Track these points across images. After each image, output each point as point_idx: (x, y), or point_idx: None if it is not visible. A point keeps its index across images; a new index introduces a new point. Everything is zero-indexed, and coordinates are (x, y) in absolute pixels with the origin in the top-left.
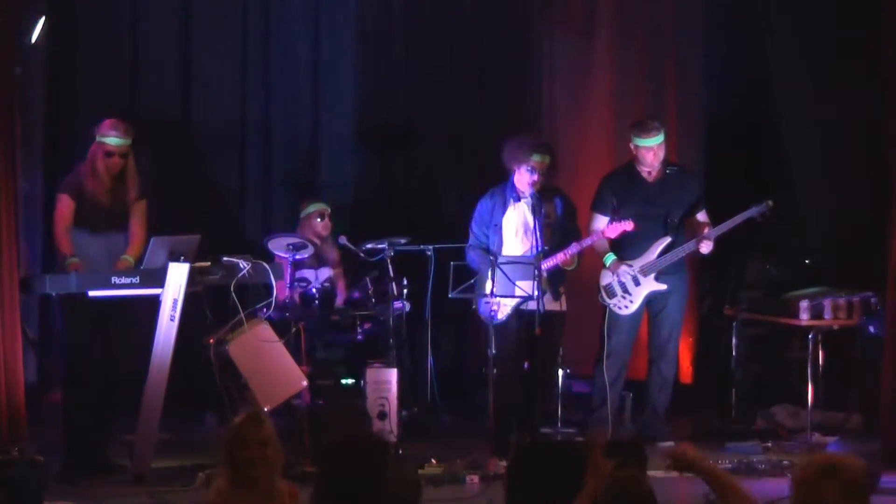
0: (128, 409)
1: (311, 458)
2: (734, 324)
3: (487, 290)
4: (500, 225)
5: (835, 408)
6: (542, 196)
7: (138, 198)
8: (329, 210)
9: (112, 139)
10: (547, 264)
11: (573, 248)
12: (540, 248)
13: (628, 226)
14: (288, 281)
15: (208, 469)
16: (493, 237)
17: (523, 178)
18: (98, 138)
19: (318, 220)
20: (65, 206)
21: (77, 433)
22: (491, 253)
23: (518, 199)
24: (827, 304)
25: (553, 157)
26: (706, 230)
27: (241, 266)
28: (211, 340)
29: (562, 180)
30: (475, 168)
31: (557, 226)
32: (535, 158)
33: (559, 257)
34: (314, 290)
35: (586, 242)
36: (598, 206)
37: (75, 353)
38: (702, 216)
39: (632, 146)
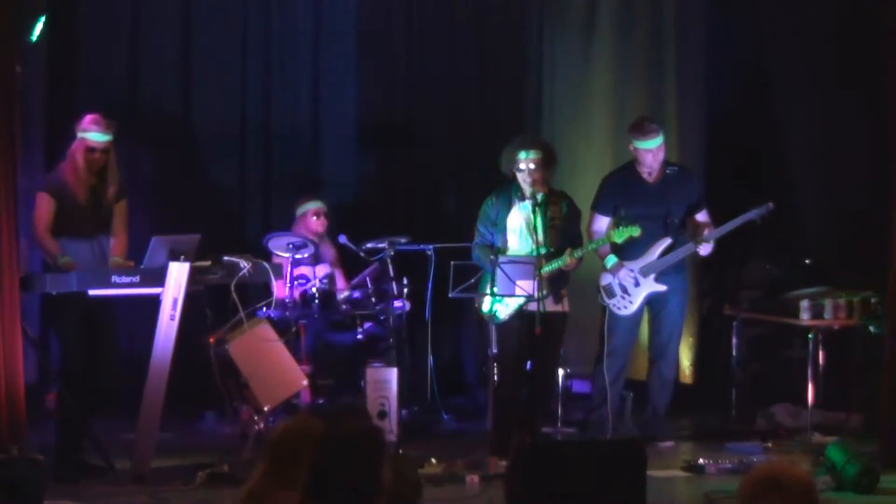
0: (128, 409)
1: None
2: (734, 324)
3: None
4: (504, 225)
5: (835, 408)
6: (549, 198)
7: (118, 197)
8: (325, 208)
9: (93, 135)
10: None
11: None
12: (542, 250)
13: (635, 231)
14: (288, 280)
15: (208, 468)
16: (497, 237)
17: (521, 179)
18: (79, 134)
19: (314, 218)
20: (44, 205)
21: (67, 430)
22: (493, 252)
23: (522, 199)
24: (827, 304)
25: (546, 152)
26: (706, 232)
27: (242, 265)
28: (211, 340)
29: (562, 180)
30: (475, 168)
31: (562, 228)
32: (522, 156)
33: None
34: (314, 289)
35: (589, 248)
36: (598, 207)
37: (64, 351)
38: (702, 216)
39: (631, 148)
